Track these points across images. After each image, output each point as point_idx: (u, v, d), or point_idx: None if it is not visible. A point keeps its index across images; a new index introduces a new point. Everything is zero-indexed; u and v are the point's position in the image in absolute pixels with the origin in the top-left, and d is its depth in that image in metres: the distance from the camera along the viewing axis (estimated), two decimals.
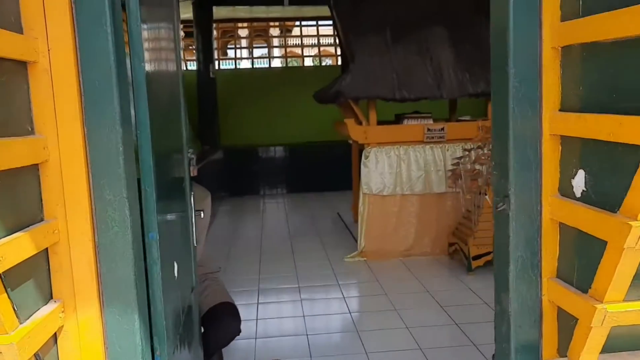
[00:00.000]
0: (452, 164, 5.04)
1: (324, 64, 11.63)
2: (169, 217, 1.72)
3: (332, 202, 8.40)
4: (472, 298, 4.11)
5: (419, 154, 5.23)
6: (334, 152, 9.29)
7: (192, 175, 2.19)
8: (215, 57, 9.63)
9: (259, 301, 4.25)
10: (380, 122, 5.37)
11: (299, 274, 4.87)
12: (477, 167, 4.76)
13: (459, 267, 4.87)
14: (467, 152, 4.96)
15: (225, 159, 9.35)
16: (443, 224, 5.28)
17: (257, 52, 11.70)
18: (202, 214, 2.49)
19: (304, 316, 3.91)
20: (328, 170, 9.36)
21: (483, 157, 4.66)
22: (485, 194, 4.68)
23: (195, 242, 2.22)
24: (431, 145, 5.26)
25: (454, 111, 6.34)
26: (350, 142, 6.33)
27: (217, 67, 9.99)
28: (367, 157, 5.19)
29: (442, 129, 5.23)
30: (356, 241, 5.79)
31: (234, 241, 6.28)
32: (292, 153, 9.51)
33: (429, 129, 5.21)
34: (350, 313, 3.92)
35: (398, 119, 5.92)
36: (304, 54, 11.20)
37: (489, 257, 4.60)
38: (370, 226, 5.21)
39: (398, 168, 5.21)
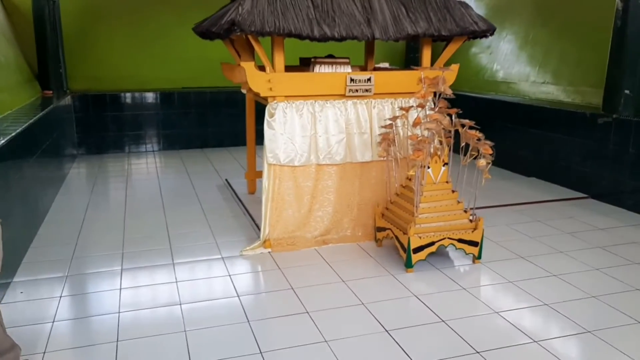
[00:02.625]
0: (383, 126, 3.89)
1: None
2: None
3: (216, 163, 6.97)
4: (421, 311, 3.07)
5: (340, 111, 4.00)
6: (218, 100, 7.80)
7: None
8: None
9: (119, 337, 2.84)
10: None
11: (179, 283, 3.49)
12: (421, 132, 3.65)
13: (390, 258, 3.82)
14: (403, 112, 3.82)
15: (77, 108, 7.40)
16: (366, 201, 4.17)
17: None
18: None
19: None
20: (210, 123, 7.86)
21: (429, 121, 3.54)
22: (428, 167, 3.61)
23: None
24: (354, 100, 4.04)
25: (371, 56, 5.18)
26: (244, 91, 4.92)
27: None
28: (272, 116, 3.85)
29: (369, 79, 4.02)
30: (254, 221, 4.53)
31: (86, 222, 4.66)
32: (164, 101, 7.78)
33: (352, 79, 3.98)
34: (261, 353, 2.67)
35: (304, 64, 4.63)
36: None
37: (432, 249, 3.59)
38: (278, 207, 3.94)
39: (313, 130, 3.94)
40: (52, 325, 2.93)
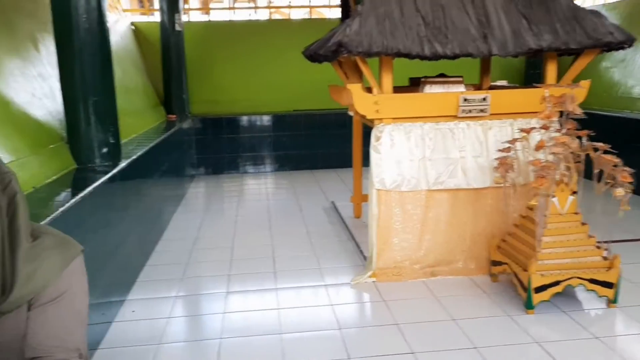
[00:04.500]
0: (500, 150, 3.56)
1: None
2: None
3: (324, 184, 6.93)
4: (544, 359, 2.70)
5: (452, 133, 3.74)
6: (327, 122, 7.80)
7: None
8: (183, 6, 7.89)
9: None
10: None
11: (281, 310, 3.41)
12: (545, 156, 3.28)
13: (507, 296, 3.45)
14: (524, 134, 3.47)
15: (196, 131, 7.79)
16: (480, 231, 3.84)
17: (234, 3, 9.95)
18: None
19: None
20: (319, 144, 7.88)
21: (554, 144, 3.17)
22: (553, 196, 3.22)
23: None
24: (468, 121, 3.76)
25: (487, 74, 4.84)
26: (351, 113, 4.82)
27: (186, 19, 8.30)
28: (378, 139, 3.68)
29: (484, 99, 3.72)
30: (359, 248, 4.37)
31: (198, 241, 4.79)
32: (276, 123, 7.94)
33: (465, 99, 3.70)
34: None
35: (414, 84, 4.44)
36: (292, 5, 9.48)
37: (558, 289, 3.17)
38: (384, 234, 3.75)
39: (421, 154, 3.72)
40: (158, 348, 2.98)
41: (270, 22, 9.22)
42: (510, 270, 3.41)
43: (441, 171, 3.73)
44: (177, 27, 7.52)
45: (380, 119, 3.70)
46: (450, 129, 3.73)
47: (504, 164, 3.48)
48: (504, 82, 4.92)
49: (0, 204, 1.04)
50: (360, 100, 3.67)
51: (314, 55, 4.09)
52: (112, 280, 3.41)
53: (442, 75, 4.30)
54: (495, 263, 3.61)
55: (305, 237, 4.81)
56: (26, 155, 3.05)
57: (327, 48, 3.57)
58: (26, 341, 1.03)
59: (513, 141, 3.50)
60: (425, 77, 4.16)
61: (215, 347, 2.97)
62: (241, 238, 4.87)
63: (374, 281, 3.75)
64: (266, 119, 7.94)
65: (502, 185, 3.59)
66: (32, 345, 1.03)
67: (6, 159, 2.81)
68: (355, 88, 3.65)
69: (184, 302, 3.61)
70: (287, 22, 9.26)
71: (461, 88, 4.03)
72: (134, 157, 4.11)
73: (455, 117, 3.75)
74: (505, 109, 3.77)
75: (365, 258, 4.07)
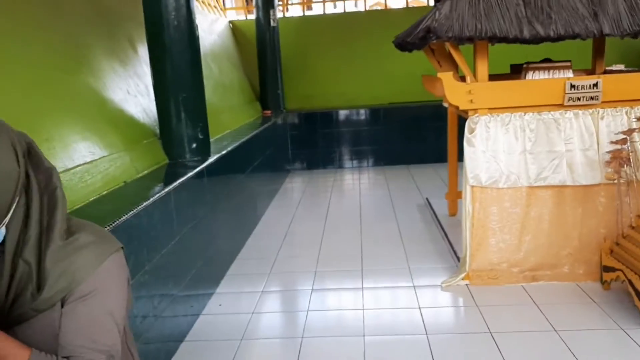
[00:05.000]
0: (614, 142, 3.15)
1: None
2: None
3: (419, 179, 6.67)
4: None
5: (557, 124, 3.37)
6: (423, 115, 7.50)
7: None
8: (278, 1, 7.96)
9: None
10: (490, 77, 3.56)
11: (365, 311, 3.28)
12: None
13: (621, 306, 3.05)
14: None
15: (291, 126, 7.84)
16: (590, 232, 3.43)
17: None
18: None
19: None
20: (415, 138, 7.61)
21: None
22: None
23: None
24: (576, 110, 3.37)
25: (601, 58, 4.34)
26: (446, 104, 4.55)
27: (281, 15, 8.39)
28: (472, 132, 3.41)
29: (595, 84, 3.31)
30: (452, 248, 4.12)
31: (287, 236, 4.78)
32: (370, 118, 7.78)
33: (572, 86, 3.32)
34: None
35: (516, 72, 4.12)
36: None
37: None
38: (479, 234, 3.48)
39: (521, 147, 3.39)
40: (241, 343, 2.97)
41: (366, 13, 9.05)
42: (624, 278, 3.01)
43: (544, 166, 3.38)
44: (272, 23, 7.61)
45: (475, 109, 3.43)
46: (554, 119, 3.37)
47: (618, 158, 3.08)
48: (620, 66, 4.39)
49: (42, 201, 1.02)
50: (452, 90, 3.42)
51: (402, 44, 3.90)
52: (202, 272, 3.47)
53: (547, 60, 3.91)
54: (607, 269, 3.21)
55: (396, 235, 4.63)
56: (119, 150, 3.17)
57: (415, 35, 3.37)
58: (59, 340, 1.01)
59: (629, 132, 3.09)
60: (528, 62, 3.81)
61: (296, 345, 2.91)
62: (330, 234, 4.79)
63: (467, 284, 3.49)
64: (361, 113, 7.80)
65: (615, 181, 3.18)
66: (62, 345, 1.00)
67: (99, 154, 2.94)
68: (446, 77, 3.41)
69: (269, 298, 3.60)
70: (383, 13, 9.04)
71: (569, 74, 3.64)
72: (223, 152, 4.17)
73: (560, 105, 3.38)
74: (621, 96, 3.34)
75: (458, 259, 3.83)
